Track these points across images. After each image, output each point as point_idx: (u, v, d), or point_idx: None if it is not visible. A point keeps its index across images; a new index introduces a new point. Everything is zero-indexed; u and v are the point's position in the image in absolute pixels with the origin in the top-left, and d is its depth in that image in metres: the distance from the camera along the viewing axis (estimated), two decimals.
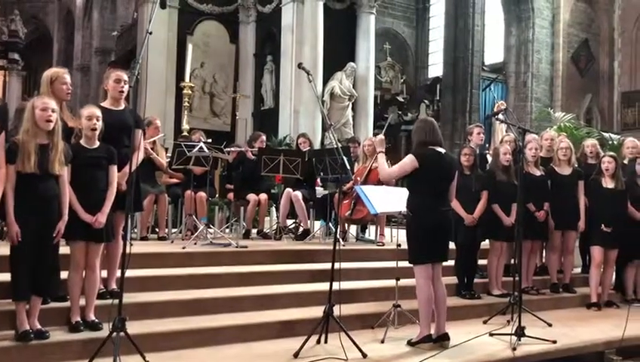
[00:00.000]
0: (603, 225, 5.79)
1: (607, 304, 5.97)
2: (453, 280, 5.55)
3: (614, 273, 6.20)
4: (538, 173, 5.90)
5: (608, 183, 5.88)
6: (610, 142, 10.21)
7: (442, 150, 4.21)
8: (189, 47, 10.09)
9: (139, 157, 3.90)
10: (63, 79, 4.06)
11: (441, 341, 4.16)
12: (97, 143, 3.86)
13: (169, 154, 6.54)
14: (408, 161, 4.13)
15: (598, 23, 20.71)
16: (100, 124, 3.82)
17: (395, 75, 20.04)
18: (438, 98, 19.15)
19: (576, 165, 6.20)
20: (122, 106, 4.23)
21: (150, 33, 3.53)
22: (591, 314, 5.67)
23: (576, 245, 6.34)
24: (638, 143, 6.63)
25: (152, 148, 6.05)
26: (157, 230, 6.39)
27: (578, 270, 6.68)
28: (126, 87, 4.19)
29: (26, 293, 3.52)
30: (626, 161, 6.40)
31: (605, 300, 5.99)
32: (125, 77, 4.21)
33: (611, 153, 6.27)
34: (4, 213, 3.42)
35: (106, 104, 4.18)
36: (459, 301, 5.39)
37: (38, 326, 3.57)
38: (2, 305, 3.73)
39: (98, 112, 3.86)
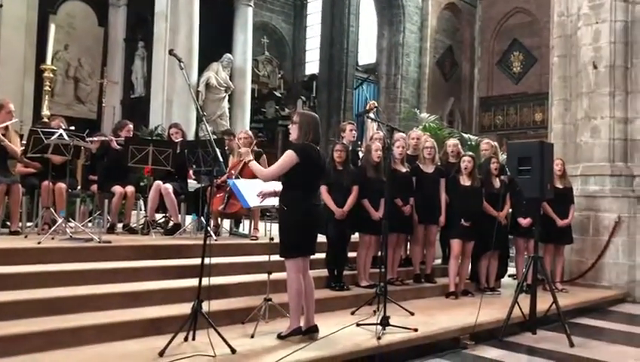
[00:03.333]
0: (463, 220, 6.21)
1: (464, 293, 6.44)
2: (323, 272, 5.66)
3: (470, 264, 6.69)
4: (404, 169, 6.18)
5: (466, 181, 6.32)
6: (469, 143, 11.06)
7: (317, 147, 4.26)
8: (52, 27, 9.31)
9: None
10: None
11: (310, 333, 4.22)
12: None
13: (24, 142, 5.99)
14: (287, 158, 4.10)
15: (461, 32, 22.29)
16: None
17: (272, 69, 20.08)
18: (314, 95, 19.49)
19: (439, 163, 6.59)
20: None
21: (1, 5, 3.18)
22: (449, 303, 6.07)
23: (437, 238, 6.76)
24: (493, 144, 7.22)
25: (3, 135, 5.49)
26: (8, 223, 5.84)
27: (439, 261, 7.12)
28: None
29: None
30: (481, 160, 6.92)
31: (462, 289, 6.44)
32: None
33: (470, 153, 6.77)
34: None
35: None
36: (329, 293, 5.50)
37: None
38: None
39: None
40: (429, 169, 6.40)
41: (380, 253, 5.79)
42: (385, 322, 4.55)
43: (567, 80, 8.26)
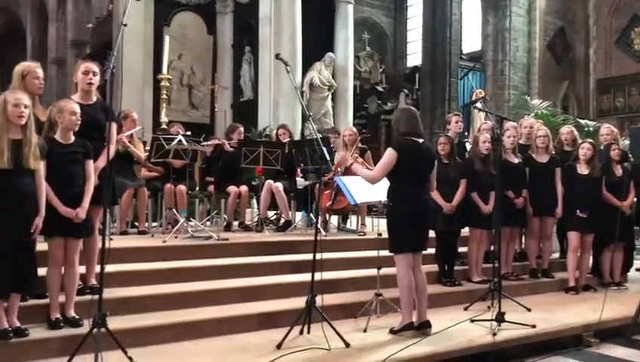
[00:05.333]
0: (578, 211, 5.88)
1: (585, 288, 6.08)
2: (434, 268, 5.60)
3: (591, 257, 6.31)
4: (516, 160, 5.95)
5: (583, 170, 5.97)
6: (587, 129, 10.36)
7: (420, 140, 4.23)
8: (166, 38, 9.95)
9: (111, 150, 3.81)
10: (35, 73, 3.97)
11: (422, 328, 4.20)
12: (72, 138, 3.80)
13: (147, 148, 6.47)
14: (387, 157, 4.12)
15: (573, 11, 20.91)
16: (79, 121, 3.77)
17: (374, 64, 20.04)
18: (417, 87, 19.21)
19: (553, 152, 6.28)
20: (93, 100, 4.11)
21: (125, 25, 3.47)
22: (569, 298, 5.77)
23: (554, 231, 6.44)
24: (614, 130, 6.74)
25: (129, 142, 5.97)
26: (136, 224, 6.33)
27: (556, 255, 6.79)
28: (95, 79, 4.07)
29: (5, 291, 3.46)
30: (601, 147, 6.49)
31: (583, 284, 6.09)
32: (95, 68, 4.09)
33: (590, 140, 6.37)
34: None
35: (76, 97, 4.05)
36: (440, 288, 5.44)
37: (17, 324, 3.52)
38: None
39: (78, 108, 3.78)
40: (543, 159, 6.12)
41: (492, 248, 5.64)
42: (500, 318, 4.42)
43: None
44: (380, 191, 4.47)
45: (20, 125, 3.45)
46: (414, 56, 20.86)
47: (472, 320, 4.61)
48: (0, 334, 3.43)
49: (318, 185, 5.45)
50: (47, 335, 3.61)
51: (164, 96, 9.45)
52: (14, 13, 27.39)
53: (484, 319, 4.54)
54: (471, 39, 20.34)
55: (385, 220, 4.38)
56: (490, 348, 4.16)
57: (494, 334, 4.27)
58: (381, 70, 20.20)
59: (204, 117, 14.53)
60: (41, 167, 3.55)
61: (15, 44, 26.04)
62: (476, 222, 5.70)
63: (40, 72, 4.02)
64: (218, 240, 5.59)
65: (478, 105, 7.51)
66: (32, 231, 3.48)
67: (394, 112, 4.43)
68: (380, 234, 4.78)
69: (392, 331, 4.22)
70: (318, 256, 4.05)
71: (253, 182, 7.20)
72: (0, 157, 3.35)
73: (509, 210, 5.58)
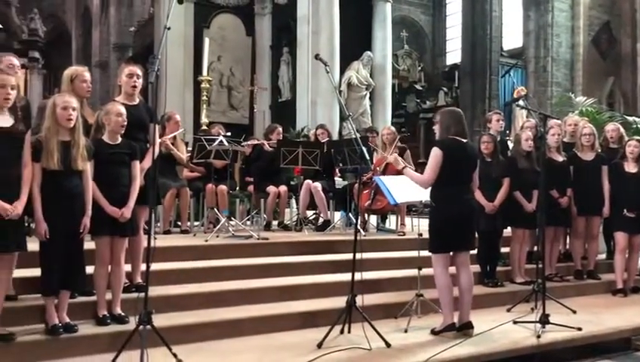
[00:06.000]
0: (625, 210, 5.70)
1: (634, 290, 5.90)
2: (475, 268, 5.50)
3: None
4: (560, 158, 5.82)
5: (631, 168, 5.79)
6: (635, 126, 10.03)
7: (464, 140, 4.18)
8: (206, 40, 10.09)
9: (155, 151, 3.90)
10: (82, 77, 4.11)
11: (464, 329, 4.15)
12: (119, 139, 3.91)
13: (189, 149, 6.58)
14: (434, 157, 4.08)
15: (619, 5, 20.27)
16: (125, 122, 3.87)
17: (412, 63, 19.91)
18: (456, 85, 18.98)
19: (599, 150, 6.11)
20: (136, 101, 4.22)
21: (168, 29, 3.55)
22: (617, 301, 5.61)
23: (600, 231, 6.26)
24: None
25: (172, 143, 6.09)
26: (179, 223, 6.45)
27: (603, 256, 6.60)
28: (139, 82, 4.17)
29: (55, 288, 3.58)
30: None
31: (631, 286, 5.91)
32: (138, 71, 4.19)
33: (637, 137, 6.16)
34: (32, 210, 3.48)
35: (120, 99, 4.16)
36: (482, 289, 5.36)
37: (67, 320, 3.64)
38: (32, 299, 3.80)
39: (124, 110, 3.89)
40: (589, 156, 5.96)
41: (535, 248, 5.52)
42: (544, 320, 4.33)
43: None
44: (420, 191, 4.42)
45: (68, 128, 3.56)
46: (453, 54, 20.62)
47: (515, 322, 4.52)
48: (51, 329, 3.55)
49: (356, 184, 5.43)
50: (95, 332, 3.71)
51: (204, 97, 9.58)
52: (60, 19, 28.27)
53: (528, 321, 4.45)
54: (512, 36, 19.96)
55: (425, 220, 4.34)
56: (534, 351, 4.08)
57: (538, 336, 4.18)
58: (419, 68, 20.05)
59: (243, 117, 14.69)
60: (88, 167, 3.66)
61: (61, 49, 26.84)
62: (519, 221, 5.60)
63: (87, 76, 4.15)
64: (258, 239, 5.65)
65: (520, 102, 7.35)
66: (80, 230, 3.60)
67: (437, 113, 4.39)
68: (420, 235, 4.75)
69: (434, 332, 4.18)
70: (359, 255, 4.05)
71: (292, 182, 7.24)
72: (50, 159, 3.47)
73: (553, 209, 5.46)
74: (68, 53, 26.54)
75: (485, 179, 5.26)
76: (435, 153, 4.08)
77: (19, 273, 3.75)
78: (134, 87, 4.16)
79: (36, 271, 3.68)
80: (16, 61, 4.08)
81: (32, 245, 3.56)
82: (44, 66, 22.58)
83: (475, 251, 5.33)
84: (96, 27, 25.30)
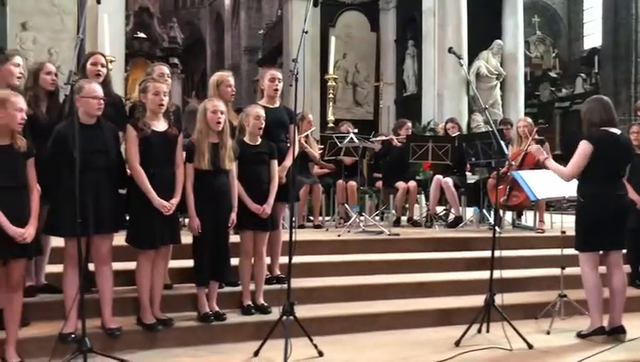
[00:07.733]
0: None
1: None
2: (625, 269, 5.11)
3: None
4: None
5: None
6: None
7: (617, 131, 3.90)
8: (332, 39, 10.28)
9: (295, 150, 4.08)
10: (227, 82, 4.39)
11: (615, 334, 3.88)
12: (259, 140, 4.13)
13: (320, 146, 6.77)
14: (582, 150, 3.85)
15: None
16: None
17: (545, 49, 18.81)
18: (596, 70, 17.63)
19: None
20: (277, 104, 4.46)
21: (306, 32, 3.68)
22: None
23: None
24: None
25: (305, 142, 6.30)
26: (311, 218, 6.66)
27: None
28: (280, 85, 4.41)
29: (206, 279, 3.88)
30: None
31: None
32: (279, 75, 4.44)
33: None
34: (185, 207, 3.79)
35: (262, 102, 4.42)
36: (632, 291, 4.94)
37: (217, 309, 3.92)
38: (185, 288, 4.15)
39: (263, 112, 4.10)
40: None
41: None
42: None
43: None
44: (563, 187, 4.19)
45: (217, 130, 3.83)
46: (592, 37, 19.17)
47: None
48: (203, 317, 3.85)
49: (491, 179, 5.26)
50: (242, 320, 3.95)
51: (331, 95, 9.78)
52: (196, 26, 30.29)
53: None
54: None
55: (567, 217, 4.10)
56: None
57: None
58: (554, 55, 18.88)
59: (368, 113, 14.73)
60: (234, 167, 3.92)
61: (197, 55, 28.78)
62: None
63: (231, 81, 4.43)
64: (389, 235, 5.68)
65: None
66: (228, 225, 3.85)
67: (584, 103, 4.12)
68: (563, 232, 4.50)
69: (580, 335, 3.96)
70: (497, 253, 3.93)
71: (418, 177, 7.18)
72: (202, 160, 3.76)
73: None
74: (203, 58, 28.37)
75: (636, 172, 4.85)
76: (584, 147, 3.84)
77: (173, 264, 4.11)
78: (276, 90, 4.39)
79: (186, 263, 4.00)
80: (166, 70, 4.43)
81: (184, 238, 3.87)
82: (182, 71, 24.40)
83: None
84: (227, 32, 26.77)
